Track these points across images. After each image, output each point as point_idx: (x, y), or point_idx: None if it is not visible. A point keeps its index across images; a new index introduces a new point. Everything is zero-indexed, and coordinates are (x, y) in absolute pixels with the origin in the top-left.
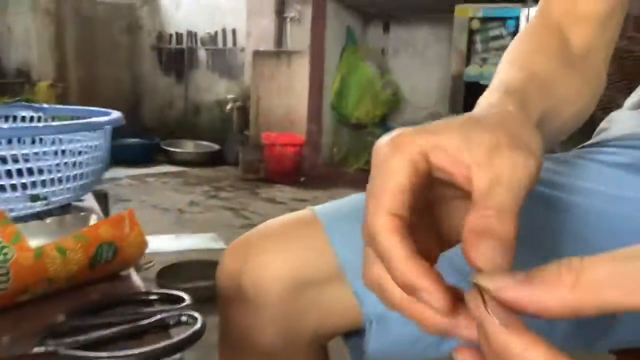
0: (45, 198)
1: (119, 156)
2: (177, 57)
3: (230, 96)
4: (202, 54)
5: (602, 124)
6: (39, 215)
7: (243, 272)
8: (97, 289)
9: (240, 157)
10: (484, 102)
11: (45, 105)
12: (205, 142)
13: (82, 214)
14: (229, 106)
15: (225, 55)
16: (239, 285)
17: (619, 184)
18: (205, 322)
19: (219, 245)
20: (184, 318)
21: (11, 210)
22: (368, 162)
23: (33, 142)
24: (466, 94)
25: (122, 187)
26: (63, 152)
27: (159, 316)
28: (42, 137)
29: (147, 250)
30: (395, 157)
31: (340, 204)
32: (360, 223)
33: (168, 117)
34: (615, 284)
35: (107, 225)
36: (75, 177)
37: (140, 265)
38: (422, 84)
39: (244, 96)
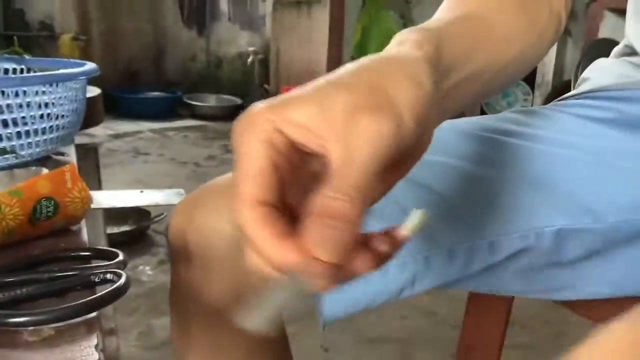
0: (13, 151)
1: (142, 109)
2: (199, 9)
3: (251, 48)
4: (223, 4)
5: (585, 73)
6: (11, 168)
7: (188, 230)
8: (41, 245)
9: None
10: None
11: (27, 57)
12: (227, 96)
13: (33, 168)
14: (250, 59)
15: (247, 5)
16: (185, 243)
17: (600, 138)
18: (128, 281)
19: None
20: (109, 275)
21: None
22: None
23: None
24: None
25: (143, 141)
26: (29, 104)
27: (84, 273)
28: (4, 90)
29: (109, 205)
30: (248, 138)
31: None
32: None
33: (191, 70)
34: None
35: (45, 180)
36: (45, 129)
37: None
38: None
39: (265, 48)
